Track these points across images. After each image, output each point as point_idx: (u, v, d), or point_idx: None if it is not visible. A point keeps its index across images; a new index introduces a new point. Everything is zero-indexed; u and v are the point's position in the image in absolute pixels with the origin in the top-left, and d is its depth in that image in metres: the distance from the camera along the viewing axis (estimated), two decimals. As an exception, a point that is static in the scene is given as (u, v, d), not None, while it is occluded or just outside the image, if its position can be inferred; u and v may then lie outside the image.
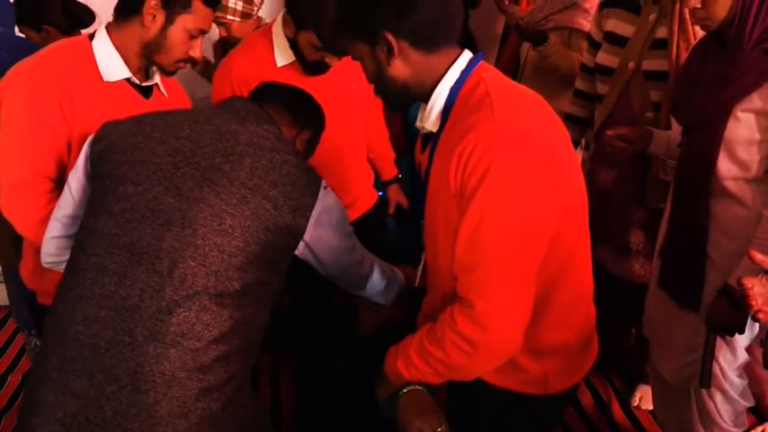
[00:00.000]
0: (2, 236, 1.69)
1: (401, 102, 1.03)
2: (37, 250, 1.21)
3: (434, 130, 1.00)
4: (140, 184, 0.98)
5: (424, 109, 1.01)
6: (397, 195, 2.08)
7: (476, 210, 0.88)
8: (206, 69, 2.34)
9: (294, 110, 1.20)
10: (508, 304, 0.90)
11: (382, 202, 2.01)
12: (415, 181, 2.27)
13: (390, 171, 2.05)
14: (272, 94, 1.21)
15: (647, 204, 1.76)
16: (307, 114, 1.24)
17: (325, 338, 1.61)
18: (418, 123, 1.04)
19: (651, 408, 1.96)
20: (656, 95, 1.67)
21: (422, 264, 1.26)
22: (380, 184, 2.04)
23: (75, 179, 1.10)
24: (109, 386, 0.91)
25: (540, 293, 0.95)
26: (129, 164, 1.00)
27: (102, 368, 0.92)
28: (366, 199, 1.90)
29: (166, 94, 1.42)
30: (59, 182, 1.27)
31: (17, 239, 1.40)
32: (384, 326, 1.34)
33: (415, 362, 0.99)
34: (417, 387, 1.04)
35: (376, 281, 1.26)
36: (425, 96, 0.99)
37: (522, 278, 0.91)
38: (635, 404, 2.02)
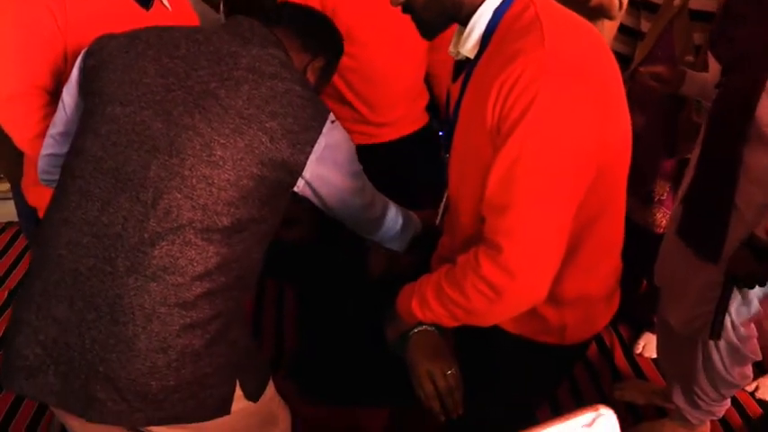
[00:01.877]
0: (8, 151, 1.66)
1: (436, 24, 0.93)
2: (37, 165, 1.18)
3: (471, 56, 0.91)
4: (129, 105, 0.92)
5: (461, 33, 0.91)
6: None
7: (514, 145, 0.80)
8: None
9: (306, 34, 1.08)
10: (539, 250, 0.84)
11: (432, 126, 1.81)
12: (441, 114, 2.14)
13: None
14: (283, 15, 1.09)
15: (674, 154, 1.69)
16: (320, 39, 1.12)
17: (331, 276, 1.59)
18: (452, 49, 0.94)
19: (654, 356, 1.95)
20: (699, 38, 1.55)
21: (443, 202, 1.20)
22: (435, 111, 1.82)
23: (69, 95, 1.04)
24: (89, 314, 0.89)
25: (571, 240, 0.88)
26: (118, 83, 0.94)
27: (82, 295, 0.89)
28: (412, 120, 1.72)
29: (169, 7, 1.33)
30: (57, 96, 1.21)
31: (22, 154, 1.38)
32: (395, 270, 1.30)
33: (431, 303, 0.94)
34: (429, 328, 1.00)
35: (389, 225, 1.19)
36: (464, 18, 0.89)
37: (557, 223, 0.84)
38: (638, 351, 2.02)
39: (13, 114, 1.24)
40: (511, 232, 0.83)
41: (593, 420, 0.37)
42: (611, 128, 0.86)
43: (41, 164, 1.13)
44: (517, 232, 0.83)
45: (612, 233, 1.00)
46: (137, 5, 1.28)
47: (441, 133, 1.79)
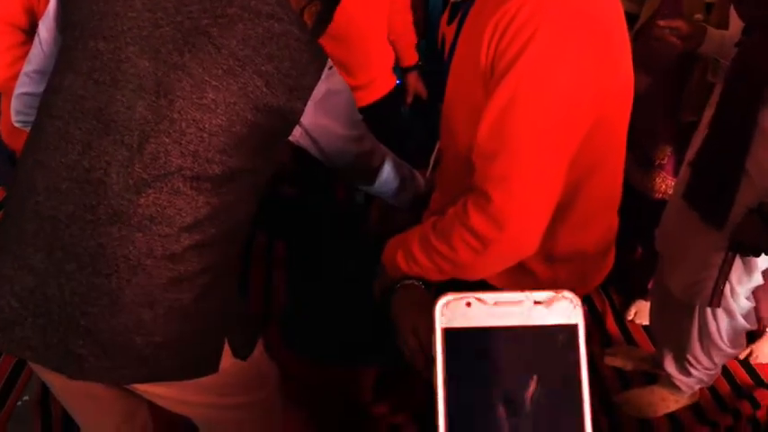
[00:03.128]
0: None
1: None
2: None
3: None
4: (113, 40, 0.84)
5: None
6: (416, 83, 1.92)
7: (508, 87, 0.75)
8: None
9: None
10: (530, 201, 0.79)
11: (399, 90, 1.88)
12: (434, 62, 2.12)
13: (411, 57, 1.90)
14: None
15: (678, 117, 1.63)
16: None
17: (322, 230, 1.55)
18: None
19: (645, 323, 1.95)
20: None
21: (434, 153, 1.14)
22: (399, 70, 1.89)
23: (46, 29, 0.95)
24: (68, 264, 0.83)
25: (565, 193, 0.84)
26: (101, 15, 0.85)
27: (61, 245, 0.83)
28: (383, 82, 1.76)
29: None
30: (33, 35, 1.13)
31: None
32: (391, 226, 1.25)
33: (417, 256, 0.90)
34: (415, 282, 0.95)
35: (387, 176, 1.14)
36: None
37: (551, 172, 0.79)
38: (630, 318, 2.02)
39: None
40: (501, 180, 0.78)
41: (552, 300, 0.33)
42: (612, 74, 0.81)
43: (15, 104, 1.04)
44: (508, 180, 0.78)
45: (610, 188, 0.96)
46: None
47: (398, 82, 1.87)
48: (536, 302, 0.35)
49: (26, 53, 1.05)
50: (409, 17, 1.86)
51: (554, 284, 0.97)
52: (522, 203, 0.79)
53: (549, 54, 0.73)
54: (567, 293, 0.35)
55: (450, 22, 0.93)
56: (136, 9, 0.85)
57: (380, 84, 1.75)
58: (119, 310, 0.83)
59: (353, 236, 1.37)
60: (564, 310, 0.35)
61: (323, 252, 1.61)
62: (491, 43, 0.76)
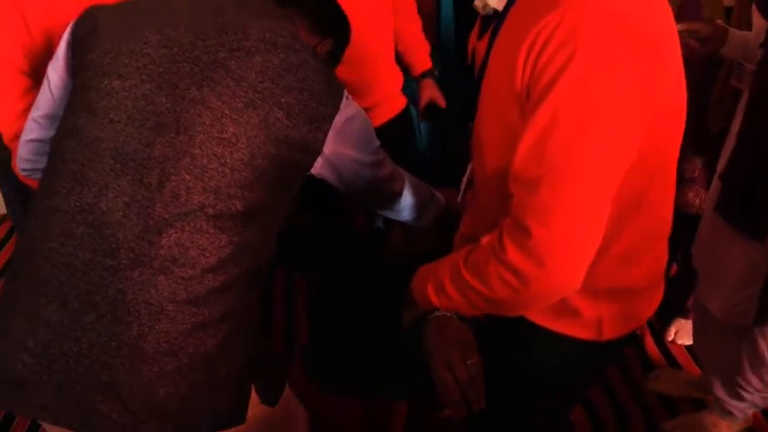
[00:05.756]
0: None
1: None
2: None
3: (500, 8, 0.81)
4: (128, 78, 0.83)
5: None
6: (431, 91, 1.79)
7: (548, 108, 0.69)
8: None
9: (315, 15, 1.04)
10: (574, 235, 0.72)
11: (410, 111, 1.82)
12: (460, 79, 2.06)
13: (424, 63, 1.79)
14: None
15: (706, 126, 1.57)
16: (329, 21, 1.08)
17: (343, 259, 1.52)
18: (478, 1, 0.84)
19: (687, 342, 1.86)
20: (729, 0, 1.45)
21: (466, 175, 1.09)
22: (410, 86, 1.81)
23: (55, 72, 0.94)
24: (86, 315, 0.79)
25: (610, 225, 0.77)
26: (115, 54, 0.84)
27: (77, 294, 0.79)
28: (391, 104, 1.72)
29: None
30: (37, 79, 1.14)
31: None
32: (416, 249, 1.21)
33: (449, 290, 0.84)
34: (448, 313, 0.91)
35: (407, 200, 1.12)
36: None
37: (596, 203, 0.72)
38: (670, 338, 1.92)
39: None
40: (541, 213, 0.72)
41: None
42: (662, 92, 0.74)
43: (22, 151, 1.02)
44: (549, 213, 0.72)
45: (659, 217, 0.89)
46: None
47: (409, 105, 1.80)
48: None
49: (34, 99, 1.05)
50: (418, 24, 1.80)
51: (598, 322, 0.91)
52: (564, 238, 0.72)
53: (592, 74, 0.67)
54: None
55: (480, 36, 0.88)
56: (151, 46, 0.84)
57: (390, 105, 1.72)
58: (141, 361, 0.79)
59: (376, 262, 1.33)
60: None
61: (345, 281, 1.58)
62: (527, 61, 0.71)
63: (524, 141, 0.72)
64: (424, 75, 1.81)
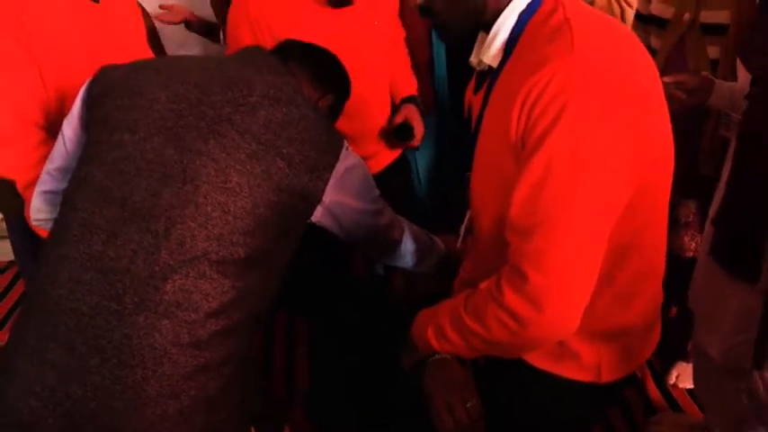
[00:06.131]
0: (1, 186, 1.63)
1: (457, 28, 0.88)
2: None
3: (495, 64, 0.85)
4: (138, 132, 0.88)
5: (483, 40, 0.86)
6: (409, 112, 1.71)
7: (541, 159, 0.73)
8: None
9: (317, 71, 1.10)
10: (569, 280, 0.76)
11: (407, 160, 1.88)
12: (457, 132, 2.10)
13: (409, 89, 1.76)
14: (293, 52, 1.10)
15: (698, 171, 1.62)
16: (330, 78, 1.14)
17: (343, 308, 1.53)
18: (473, 58, 0.89)
19: (689, 386, 1.85)
20: (713, 51, 1.51)
21: (465, 222, 1.13)
22: (400, 134, 1.76)
23: (70, 127, 1.00)
24: (92, 358, 0.82)
25: (605, 267, 0.81)
26: (126, 109, 0.90)
27: (84, 338, 0.82)
28: (389, 151, 1.77)
29: None
30: (51, 132, 1.20)
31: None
32: (418, 293, 1.24)
33: (448, 334, 0.87)
34: (447, 356, 0.93)
35: (407, 247, 1.15)
36: (487, 23, 0.84)
37: (590, 247, 0.76)
38: (671, 382, 1.91)
39: (10, 157, 1.22)
40: (537, 258, 0.76)
41: None
42: (649, 141, 0.79)
43: (35, 202, 1.07)
44: (544, 258, 0.75)
45: (652, 258, 0.93)
46: (87, 0, 1.28)
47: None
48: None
49: (48, 152, 1.10)
50: (407, 65, 1.80)
51: (597, 365, 0.92)
52: (560, 282, 0.76)
53: (581, 127, 0.72)
54: None
55: (476, 90, 0.93)
56: (160, 102, 0.90)
57: (387, 153, 1.77)
58: (143, 404, 0.81)
59: (376, 308, 1.35)
60: None
61: (345, 326, 1.58)
62: (521, 115, 0.75)
63: (519, 191, 0.76)
64: (407, 100, 1.78)
